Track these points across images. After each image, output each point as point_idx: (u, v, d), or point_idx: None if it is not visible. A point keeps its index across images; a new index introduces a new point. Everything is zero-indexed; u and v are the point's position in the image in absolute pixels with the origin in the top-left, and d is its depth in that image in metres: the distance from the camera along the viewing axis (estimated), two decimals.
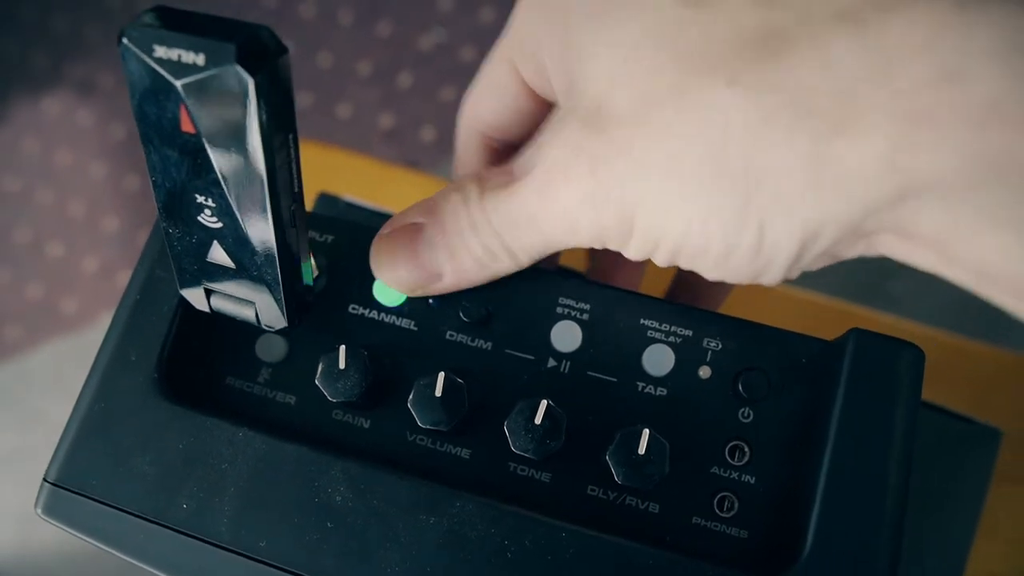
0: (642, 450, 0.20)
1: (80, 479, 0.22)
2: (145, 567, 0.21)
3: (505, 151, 0.25)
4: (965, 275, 0.17)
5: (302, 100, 1.28)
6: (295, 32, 1.30)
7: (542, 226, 0.20)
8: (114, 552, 0.21)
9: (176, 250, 0.21)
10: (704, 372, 0.22)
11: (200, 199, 0.19)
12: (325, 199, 0.42)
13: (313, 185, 0.42)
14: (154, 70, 0.16)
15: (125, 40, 0.16)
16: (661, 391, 0.22)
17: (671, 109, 0.17)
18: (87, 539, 0.22)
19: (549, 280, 0.23)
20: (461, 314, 0.23)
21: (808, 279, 0.25)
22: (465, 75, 1.25)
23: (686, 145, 0.17)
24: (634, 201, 0.18)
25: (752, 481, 0.22)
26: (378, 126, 1.28)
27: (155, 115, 0.17)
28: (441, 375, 0.21)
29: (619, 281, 0.30)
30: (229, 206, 0.18)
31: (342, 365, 0.21)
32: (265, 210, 0.18)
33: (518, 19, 0.21)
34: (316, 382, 0.22)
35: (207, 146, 0.17)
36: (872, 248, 0.18)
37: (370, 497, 0.21)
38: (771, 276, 0.19)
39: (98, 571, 1.06)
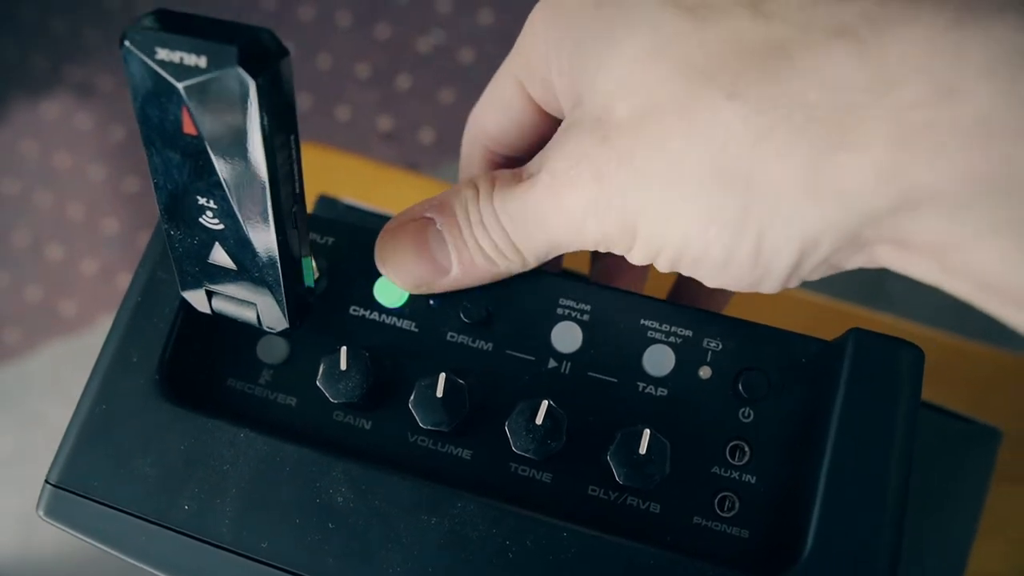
0: (643, 450, 0.20)
1: (81, 480, 0.22)
2: (146, 568, 0.21)
3: (508, 166, 0.26)
4: (965, 286, 0.17)
5: (301, 102, 1.28)
6: (294, 34, 1.31)
7: (549, 227, 0.20)
8: (115, 553, 0.21)
9: (178, 252, 0.21)
10: (704, 372, 0.22)
11: (202, 201, 0.19)
12: (325, 201, 0.42)
13: (312, 187, 0.42)
14: (156, 72, 0.16)
15: (127, 43, 0.16)
16: (662, 391, 0.22)
17: (672, 120, 0.18)
18: (88, 540, 0.22)
19: (549, 281, 0.23)
20: (462, 315, 0.23)
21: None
22: (464, 77, 1.25)
23: (686, 156, 0.18)
24: (636, 209, 0.19)
25: (753, 481, 0.22)
26: (377, 128, 1.28)
27: (157, 117, 0.17)
28: (442, 376, 0.21)
29: (622, 285, 0.30)
30: (231, 208, 0.19)
31: (343, 366, 0.22)
32: (266, 211, 0.18)
33: (525, 37, 0.22)
34: (317, 383, 0.22)
35: (209, 148, 0.17)
36: (872, 260, 0.18)
37: (371, 498, 0.21)
38: (770, 284, 0.19)
39: (99, 573, 1.06)
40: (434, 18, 1.29)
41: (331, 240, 0.24)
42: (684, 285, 0.31)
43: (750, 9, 0.17)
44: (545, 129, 0.24)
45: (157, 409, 0.22)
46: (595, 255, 0.32)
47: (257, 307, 0.21)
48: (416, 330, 0.23)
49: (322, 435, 0.23)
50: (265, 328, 0.22)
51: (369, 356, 0.22)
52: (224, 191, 0.18)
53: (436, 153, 1.26)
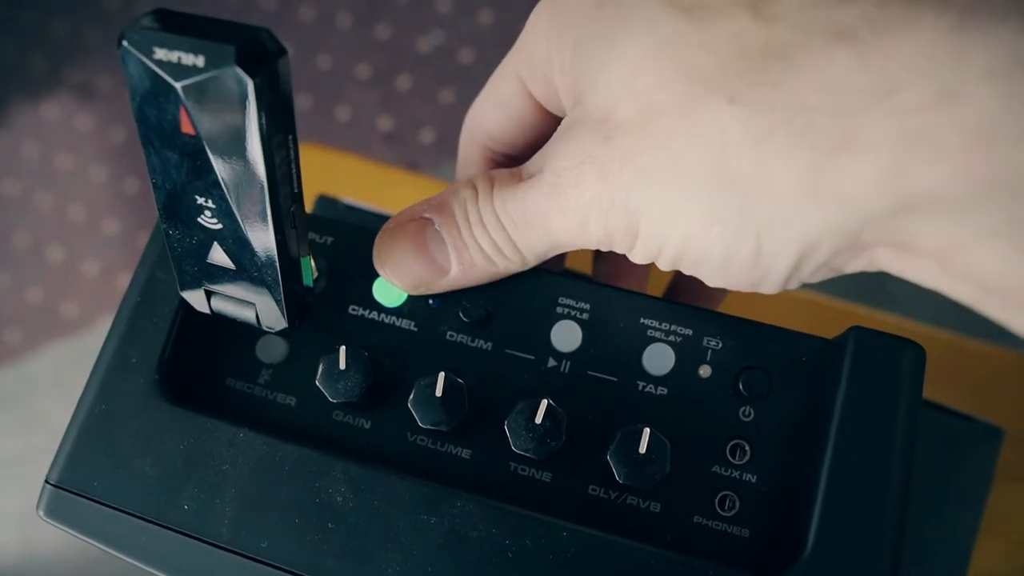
0: (643, 449, 0.20)
1: (81, 481, 0.22)
2: (146, 568, 0.21)
3: (507, 165, 0.26)
4: (966, 289, 0.17)
5: (301, 102, 1.28)
6: (294, 35, 1.31)
7: (550, 226, 0.20)
8: (115, 553, 0.21)
9: (176, 252, 0.21)
10: (704, 371, 0.22)
11: (200, 200, 0.19)
12: (324, 201, 0.42)
13: (312, 187, 0.42)
14: (154, 72, 0.16)
15: (125, 43, 0.16)
16: (662, 390, 0.22)
17: (674, 122, 0.18)
18: (88, 540, 0.22)
19: (549, 280, 0.23)
20: (461, 314, 0.23)
21: None
22: (464, 77, 1.25)
23: (688, 157, 0.18)
24: (638, 208, 0.19)
25: (753, 480, 0.22)
26: (377, 128, 1.28)
27: (155, 117, 0.17)
28: (441, 375, 0.21)
29: (624, 284, 0.30)
30: (229, 207, 0.19)
31: (342, 366, 0.22)
32: (265, 211, 0.18)
33: (527, 35, 0.22)
34: (317, 383, 0.22)
35: (207, 147, 0.17)
36: (872, 263, 0.18)
37: (371, 497, 0.21)
38: (770, 285, 0.19)
39: (100, 574, 1.06)
40: (434, 18, 1.29)
41: (330, 240, 0.24)
42: (682, 281, 0.31)
43: (750, 11, 0.17)
44: (545, 127, 0.24)
45: (156, 409, 0.22)
46: (598, 255, 0.32)
47: (256, 307, 0.21)
48: (415, 329, 0.23)
49: (321, 435, 0.23)
50: (264, 328, 0.22)
51: (368, 356, 0.22)
52: (222, 191, 0.18)
53: (436, 153, 1.26)
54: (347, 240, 0.24)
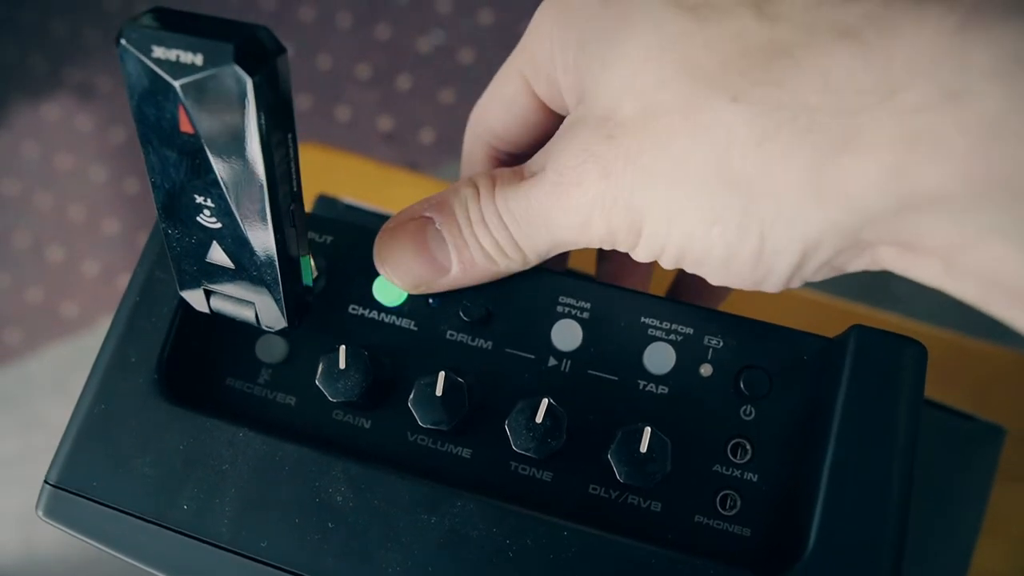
0: (644, 448, 0.20)
1: (81, 481, 0.22)
2: (146, 568, 0.21)
3: (510, 162, 0.26)
4: (970, 287, 0.17)
5: (301, 102, 1.28)
6: (294, 35, 1.31)
7: (553, 224, 0.20)
8: (115, 553, 0.21)
9: (175, 251, 0.21)
10: (705, 370, 0.22)
11: (199, 199, 0.19)
12: (324, 201, 0.42)
13: (312, 187, 0.42)
14: (152, 70, 0.16)
15: (123, 41, 0.16)
16: (662, 389, 0.22)
17: (677, 121, 0.18)
18: (88, 540, 0.21)
19: (549, 279, 0.23)
20: (461, 313, 0.23)
21: None
22: (464, 77, 1.25)
23: (691, 157, 0.18)
24: (642, 207, 0.19)
25: (754, 479, 0.21)
26: (377, 128, 1.28)
27: (154, 116, 0.17)
28: (441, 374, 0.21)
29: (628, 284, 0.30)
30: (228, 206, 0.18)
31: (342, 365, 0.21)
32: (264, 210, 0.18)
33: (531, 35, 0.22)
34: (316, 382, 0.22)
35: (206, 146, 0.17)
36: (875, 263, 0.18)
37: (371, 497, 0.21)
38: (772, 284, 0.19)
39: (100, 574, 1.06)
40: (434, 18, 1.29)
41: (330, 239, 0.24)
42: (685, 280, 0.31)
43: (753, 10, 0.17)
44: (548, 126, 0.24)
45: (156, 409, 0.22)
46: (601, 255, 0.32)
47: (256, 306, 0.21)
48: (415, 329, 0.23)
49: (321, 434, 0.23)
50: (264, 327, 0.22)
51: (368, 355, 0.22)
52: (221, 189, 0.18)
53: (436, 153, 1.26)
54: (347, 239, 0.24)
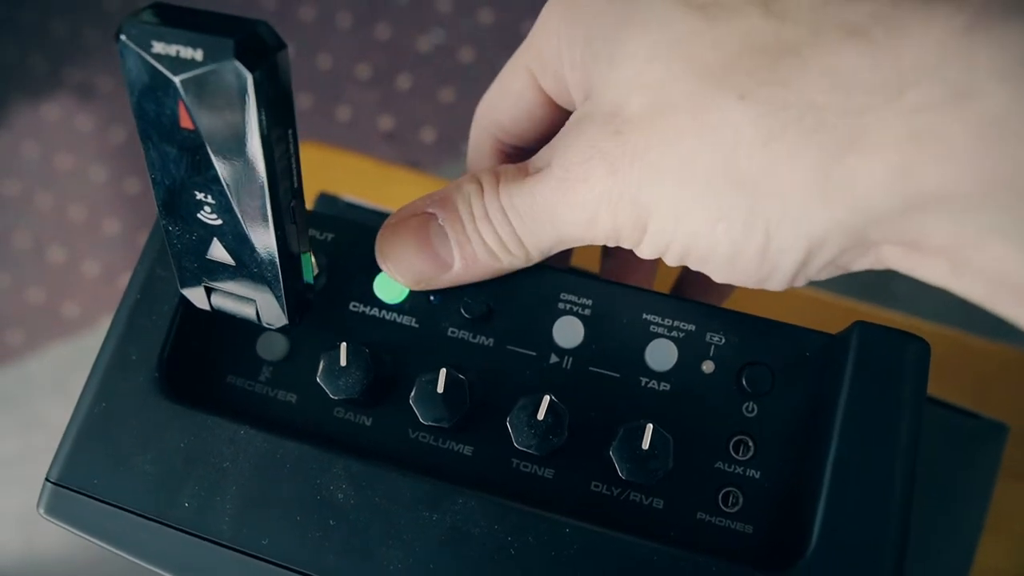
0: (646, 445, 0.20)
1: (82, 478, 0.22)
2: (147, 566, 0.21)
3: (517, 156, 0.26)
4: (976, 287, 0.17)
5: (301, 102, 1.28)
6: (295, 35, 1.30)
7: (558, 221, 0.20)
8: (116, 551, 0.21)
9: (176, 248, 0.20)
10: (707, 367, 0.22)
11: (199, 196, 0.19)
12: (325, 199, 0.42)
13: (313, 186, 0.42)
14: (152, 66, 0.16)
15: (123, 36, 0.16)
16: (664, 386, 0.22)
17: (684, 120, 0.18)
18: (89, 538, 0.21)
19: (551, 276, 0.23)
20: (462, 311, 0.23)
21: None
22: (464, 76, 1.25)
23: (698, 155, 0.18)
24: (648, 204, 0.19)
25: (757, 476, 0.21)
26: (378, 128, 1.28)
27: (153, 112, 0.17)
28: (443, 371, 0.21)
29: (632, 281, 0.30)
30: (228, 202, 0.18)
31: (343, 362, 0.21)
32: (264, 206, 0.18)
33: (538, 30, 0.22)
34: (317, 380, 0.22)
35: (206, 142, 0.17)
36: (880, 262, 0.18)
37: (372, 494, 0.21)
38: (777, 282, 0.19)
39: (102, 574, 1.06)
40: (434, 17, 1.29)
41: (330, 236, 0.24)
42: (689, 277, 0.31)
43: (761, 8, 0.17)
44: (555, 120, 0.24)
45: (157, 406, 0.22)
46: (605, 252, 0.32)
47: (256, 304, 0.21)
48: (417, 326, 0.23)
49: (322, 432, 0.23)
50: (265, 325, 0.22)
51: (369, 352, 0.22)
52: (222, 186, 0.18)
53: (437, 152, 1.26)
54: (348, 237, 0.24)
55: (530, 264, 0.22)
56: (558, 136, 0.21)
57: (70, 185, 1.30)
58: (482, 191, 0.21)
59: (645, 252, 0.20)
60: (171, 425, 0.22)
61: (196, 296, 0.22)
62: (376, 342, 0.23)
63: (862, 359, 0.20)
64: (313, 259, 0.23)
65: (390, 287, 0.23)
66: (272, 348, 0.24)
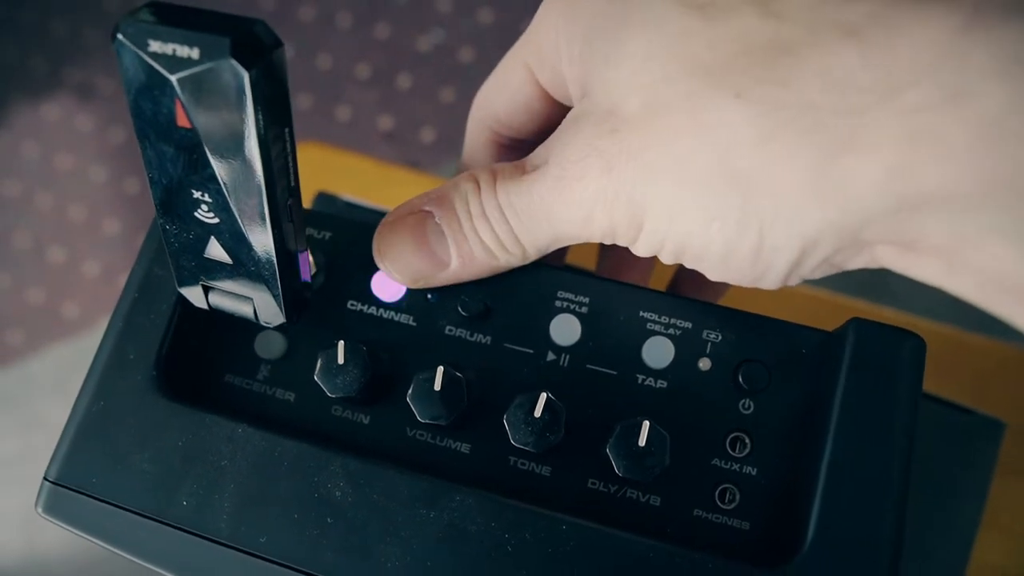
0: (642, 442, 0.20)
1: (80, 477, 0.22)
2: (146, 564, 0.21)
3: (514, 148, 0.26)
4: (972, 287, 0.17)
5: (301, 102, 1.28)
6: (294, 35, 1.31)
7: (555, 219, 0.21)
8: (114, 550, 0.21)
9: (174, 247, 0.21)
10: (704, 364, 0.22)
11: (197, 195, 0.19)
12: (323, 198, 0.42)
13: (313, 186, 0.42)
14: (149, 65, 0.16)
15: (120, 35, 0.16)
16: (661, 383, 0.22)
17: (681, 119, 0.18)
18: (88, 537, 0.21)
19: (548, 274, 0.23)
20: (460, 308, 0.23)
21: None
22: (464, 76, 1.25)
23: (694, 155, 0.18)
24: (644, 203, 0.19)
25: (753, 473, 0.21)
26: (378, 128, 1.28)
27: (150, 110, 0.17)
28: (440, 369, 0.21)
29: (628, 278, 0.31)
30: (226, 201, 0.18)
31: (341, 361, 0.21)
32: (262, 205, 0.18)
33: (537, 26, 0.22)
34: (315, 378, 0.22)
35: (203, 141, 0.17)
36: (874, 260, 0.18)
37: (370, 492, 0.21)
38: (771, 280, 0.19)
39: (103, 573, 1.06)
40: (434, 17, 1.29)
41: (328, 235, 0.24)
42: (684, 274, 0.32)
43: (758, 8, 0.17)
44: (552, 114, 0.24)
45: (155, 405, 0.22)
46: (602, 251, 0.32)
47: (254, 302, 0.21)
48: (414, 324, 0.23)
49: (320, 430, 0.23)
50: (262, 323, 0.22)
51: (367, 350, 0.22)
52: (219, 185, 0.18)
53: (437, 152, 1.26)
54: (345, 235, 0.24)
55: (527, 262, 0.22)
56: (555, 134, 0.21)
57: (70, 185, 1.30)
58: (479, 189, 0.21)
59: (641, 250, 0.20)
60: (169, 424, 0.22)
61: (194, 295, 0.22)
62: (374, 340, 0.23)
63: (858, 356, 0.20)
64: (311, 258, 0.23)
65: (388, 285, 0.23)
66: (270, 347, 0.24)
